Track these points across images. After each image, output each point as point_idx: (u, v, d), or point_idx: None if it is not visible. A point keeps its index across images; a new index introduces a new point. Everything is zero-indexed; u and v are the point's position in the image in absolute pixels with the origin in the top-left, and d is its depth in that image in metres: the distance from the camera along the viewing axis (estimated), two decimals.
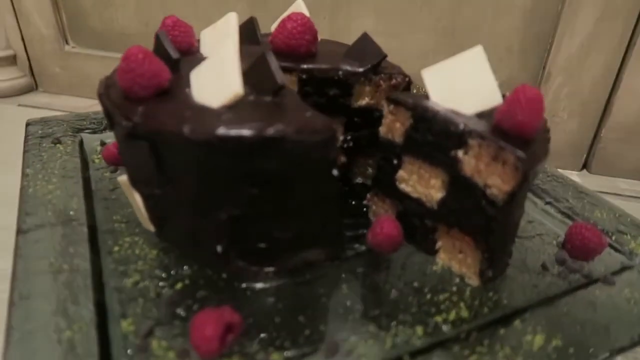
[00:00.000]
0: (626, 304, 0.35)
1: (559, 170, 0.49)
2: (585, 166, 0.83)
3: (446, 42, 0.76)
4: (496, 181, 0.34)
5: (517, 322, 0.33)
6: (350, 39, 0.48)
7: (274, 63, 0.37)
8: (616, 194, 0.78)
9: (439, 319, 0.34)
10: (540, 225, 0.45)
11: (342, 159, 0.41)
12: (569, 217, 0.45)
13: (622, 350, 0.31)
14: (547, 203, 0.47)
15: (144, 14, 0.88)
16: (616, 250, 0.41)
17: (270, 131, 0.32)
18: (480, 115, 0.36)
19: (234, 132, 0.32)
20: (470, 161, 0.35)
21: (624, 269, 0.39)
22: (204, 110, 0.34)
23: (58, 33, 0.94)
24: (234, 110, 0.34)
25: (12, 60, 0.98)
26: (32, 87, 1.02)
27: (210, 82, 0.36)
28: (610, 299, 0.36)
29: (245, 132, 0.32)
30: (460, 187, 0.36)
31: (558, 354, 0.31)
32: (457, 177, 0.36)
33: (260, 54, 0.37)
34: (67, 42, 0.96)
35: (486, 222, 0.35)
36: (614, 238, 0.42)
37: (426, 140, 0.37)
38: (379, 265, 0.39)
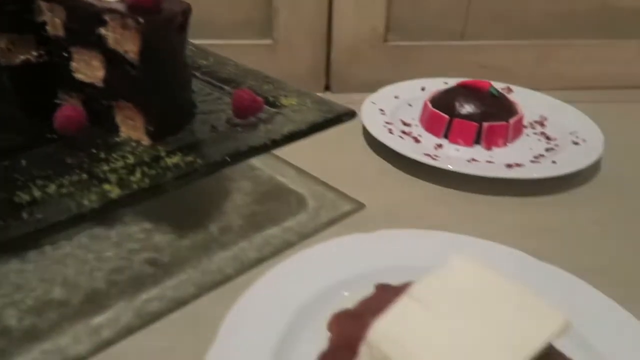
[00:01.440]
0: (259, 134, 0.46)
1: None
2: (327, 88, 0.97)
3: None
4: (130, 46, 0.41)
5: (162, 150, 0.42)
6: None
7: None
8: (353, 103, 0.94)
9: (106, 168, 0.41)
10: (225, 104, 0.54)
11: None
12: None
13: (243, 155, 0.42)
14: (235, 87, 0.56)
15: None
16: (274, 106, 0.52)
17: None
18: (120, 1, 0.43)
19: None
20: (110, 35, 0.42)
21: (273, 115, 0.50)
22: None
23: None
24: None
25: None
26: None
27: None
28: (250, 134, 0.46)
29: None
30: (111, 60, 0.43)
31: (187, 165, 0.40)
32: (107, 52, 0.43)
33: None
34: None
35: (133, 83, 0.43)
36: (273, 100, 0.53)
37: (79, 27, 0.43)
38: (68, 145, 0.45)
